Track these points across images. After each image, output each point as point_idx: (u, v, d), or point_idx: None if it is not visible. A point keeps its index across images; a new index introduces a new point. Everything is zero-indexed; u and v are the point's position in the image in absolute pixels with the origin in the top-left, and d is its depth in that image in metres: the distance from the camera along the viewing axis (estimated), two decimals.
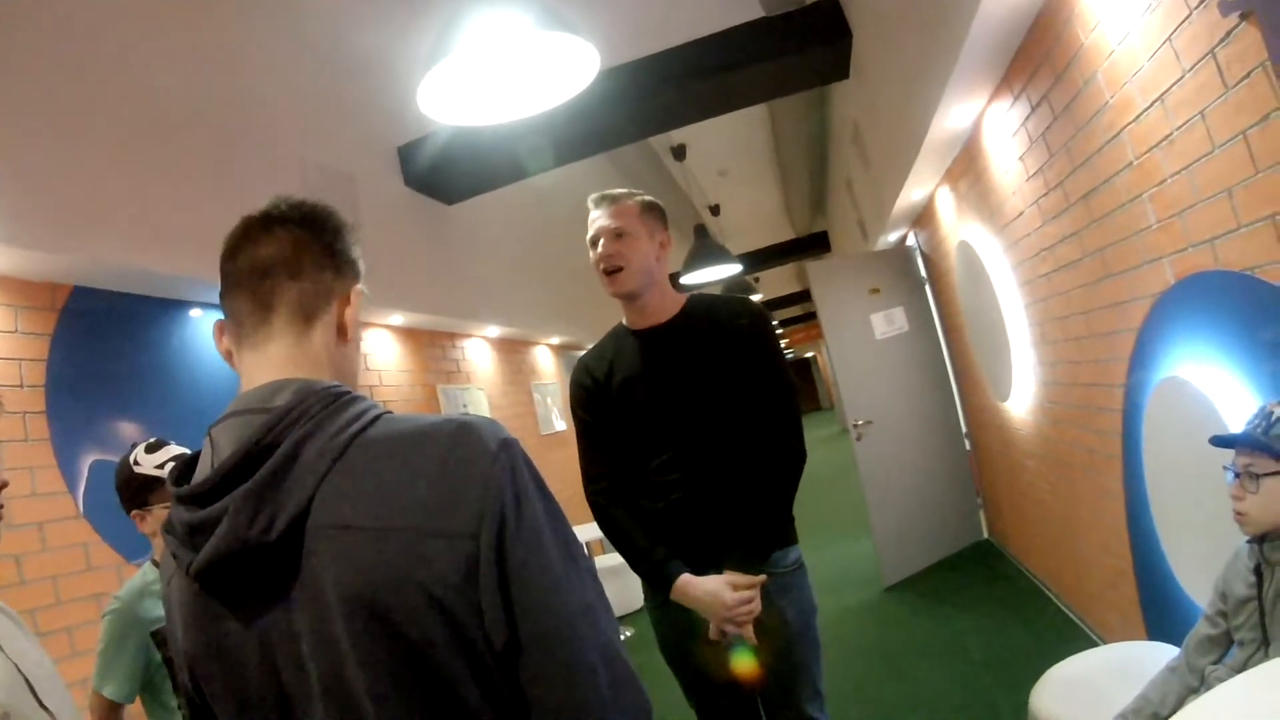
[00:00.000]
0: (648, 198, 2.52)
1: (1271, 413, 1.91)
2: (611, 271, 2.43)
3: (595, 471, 2.53)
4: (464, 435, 1.05)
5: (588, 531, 6.28)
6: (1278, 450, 1.86)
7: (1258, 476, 1.89)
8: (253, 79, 4.48)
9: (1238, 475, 1.95)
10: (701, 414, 2.40)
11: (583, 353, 2.64)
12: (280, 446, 1.01)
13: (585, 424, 2.55)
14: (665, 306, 2.50)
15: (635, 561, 2.44)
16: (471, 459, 1.03)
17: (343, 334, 1.19)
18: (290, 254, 1.14)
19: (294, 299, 1.14)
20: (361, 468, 1.02)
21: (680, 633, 2.44)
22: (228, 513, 0.99)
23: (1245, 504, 1.93)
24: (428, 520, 0.99)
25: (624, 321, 2.57)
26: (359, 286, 1.23)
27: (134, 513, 2.44)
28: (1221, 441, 1.99)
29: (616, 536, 2.46)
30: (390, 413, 1.11)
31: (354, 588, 0.97)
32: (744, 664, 2.39)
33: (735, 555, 2.32)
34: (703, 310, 2.49)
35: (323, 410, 1.04)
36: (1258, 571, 1.97)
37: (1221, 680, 1.95)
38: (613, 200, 2.46)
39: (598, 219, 2.46)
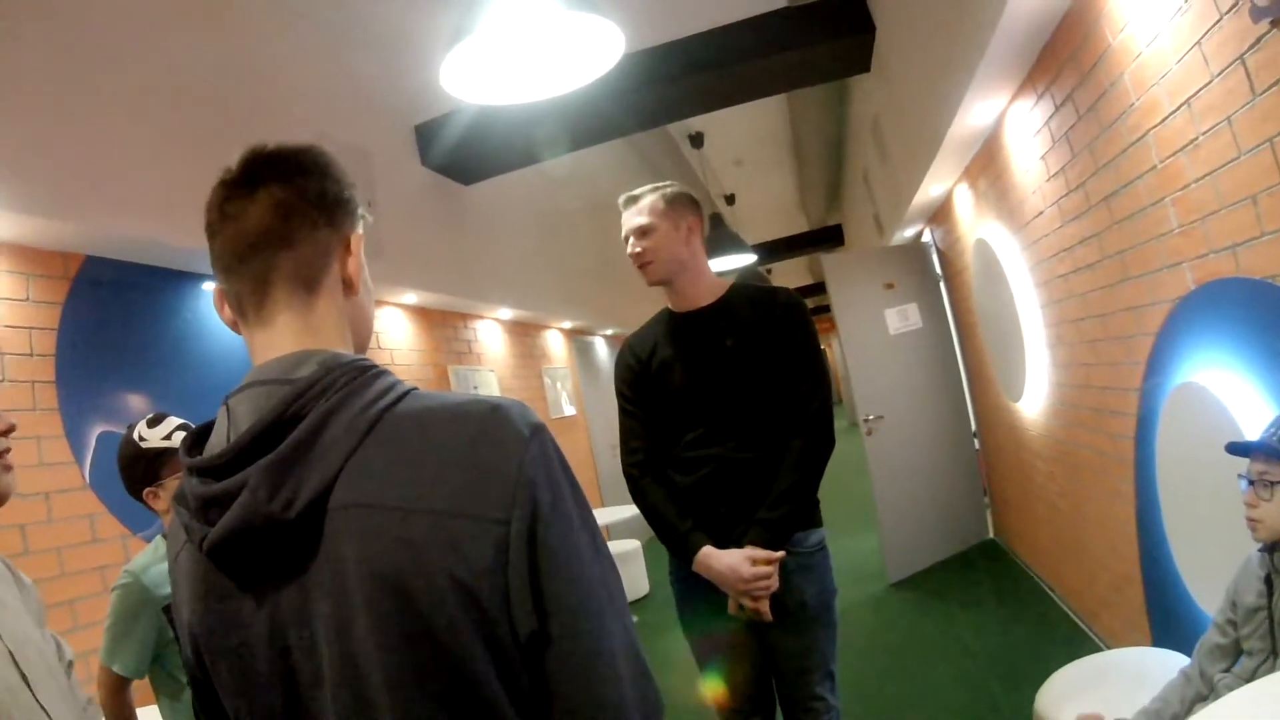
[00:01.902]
0: (670, 190, 2.61)
1: None
2: (641, 265, 2.57)
3: (634, 445, 2.63)
4: (496, 418, 1.01)
5: (599, 517, 6.29)
6: None
7: (1272, 484, 1.89)
8: (270, 52, 4.48)
9: (1252, 483, 1.95)
10: (734, 393, 2.50)
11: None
12: (305, 419, 0.96)
13: (627, 400, 2.67)
14: (706, 290, 2.62)
15: (661, 531, 2.54)
16: (504, 442, 0.99)
17: (350, 288, 1.13)
18: (278, 221, 1.06)
19: (291, 270, 1.07)
20: (389, 444, 0.98)
21: (700, 605, 2.54)
22: (246, 486, 0.94)
23: (1259, 511, 1.93)
24: (457, 502, 0.95)
25: (668, 305, 2.69)
26: (359, 232, 1.16)
27: (147, 491, 2.41)
28: (1237, 448, 1.99)
29: (646, 507, 2.58)
30: (417, 389, 1.06)
31: (377, 568, 0.94)
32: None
33: (757, 531, 2.40)
34: (744, 297, 2.60)
35: (350, 384, 1.00)
36: (1268, 581, 1.96)
37: (1230, 689, 1.94)
38: (635, 200, 2.60)
39: (626, 220, 2.60)
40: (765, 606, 2.36)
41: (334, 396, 0.98)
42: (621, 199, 2.62)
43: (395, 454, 0.97)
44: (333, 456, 0.96)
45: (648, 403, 2.62)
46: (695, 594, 2.53)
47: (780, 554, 2.37)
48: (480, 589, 0.94)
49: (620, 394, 2.69)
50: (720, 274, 2.73)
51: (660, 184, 2.63)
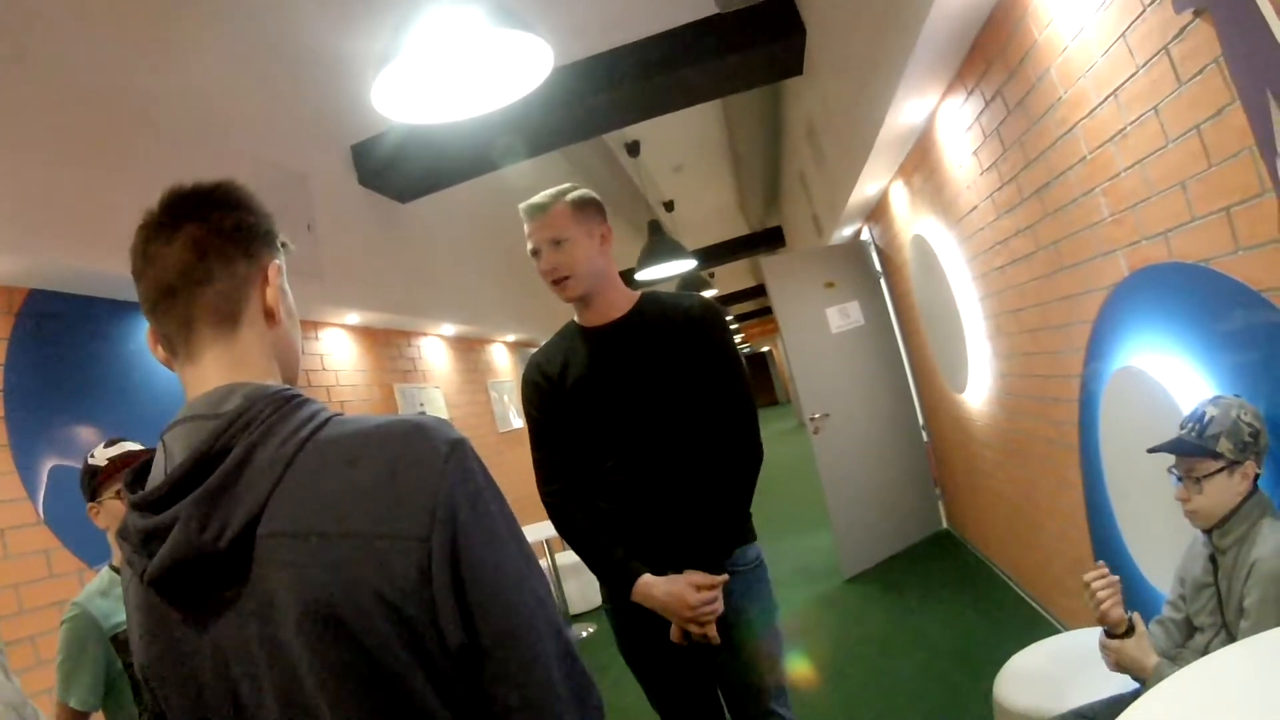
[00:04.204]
0: (577, 194, 2.44)
1: (1204, 414, 1.97)
2: (559, 281, 2.40)
3: (550, 472, 2.49)
4: (414, 436, 1.04)
5: (544, 530, 6.28)
6: (1215, 451, 1.93)
7: (1199, 479, 1.96)
8: (205, 78, 4.42)
9: (1181, 479, 2.01)
10: (657, 412, 2.38)
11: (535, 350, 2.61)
12: (231, 452, 1.00)
13: (538, 423, 2.50)
14: (616, 303, 2.48)
15: (594, 563, 2.42)
16: (422, 460, 1.02)
17: (271, 318, 1.16)
18: (193, 260, 1.09)
19: (210, 306, 1.10)
20: (313, 472, 1.01)
21: (642, 633, 2.43)
22: (179, 520, 0.98)
23: (1193, 504, 2.00)
24: (379, 524, 0.99)
25: (575, 319, 2.54)
26: (276, 261, 1.18)
27: (89, 506, 2.46)
28: (1159, 450, 2.04)
29: (574, 537, 2.43)
30: (341, 414, 1.10)
31: (308, 593, 0.97)
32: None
33: (697, 555, 2.32)
34: (656, 307, 2.47)
35: (273, 414, 1.03)
36: (1212, 559, 2.01)
37: (1187, 663, 1.98)
38: (542, 209, 2.40)
39: (533, 231, 2.41)
40: (713, 631, 2.28)
41: (258, 428, 1.02)
42: (523, 208, 2.42)
43: (319, 480, 1.01)
44: (259, 487, 0.99)
45: (563, 424, 2.46)
46: (634, 622, 2.42)
47: (724, 577, 2.30)
48: (407, 607, 0.98)
49: (530, 417, 2.52)
50: (661, 280, 2.65)
51: (563, 187, 2.45)
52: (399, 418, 1.07)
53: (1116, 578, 2.14)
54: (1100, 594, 2.12)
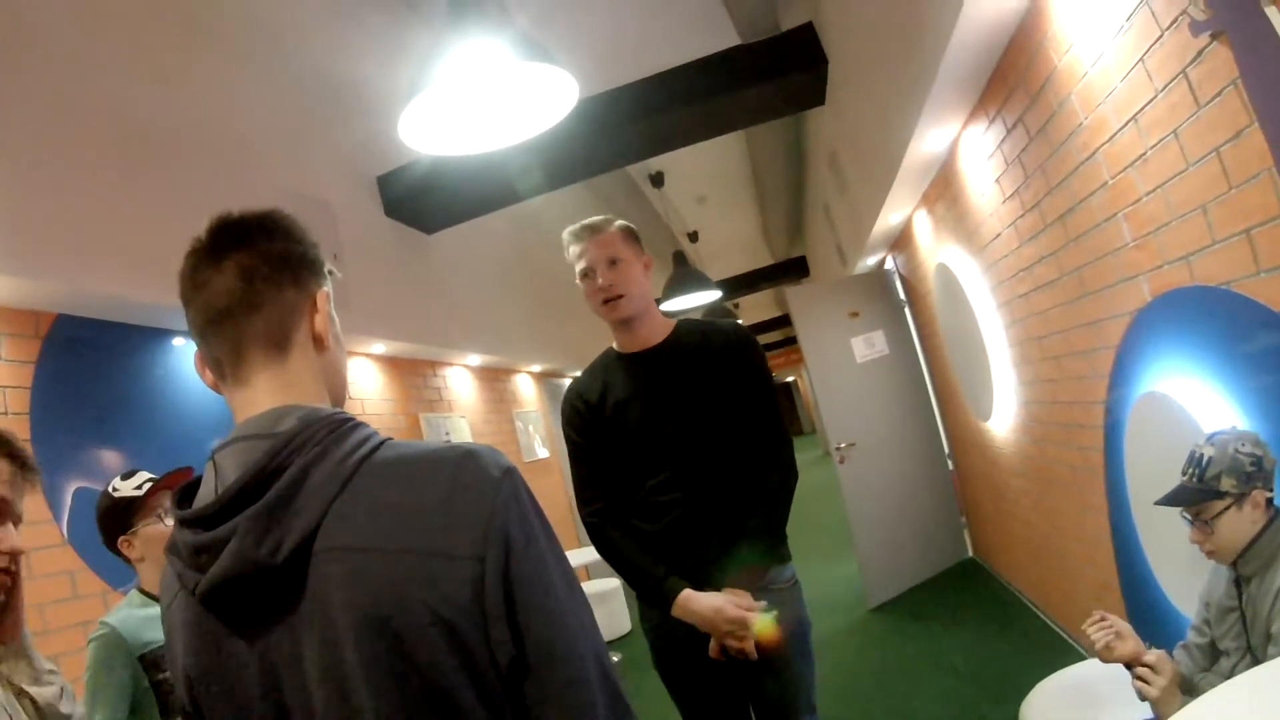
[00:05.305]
0: (623, 222, 2.54)
1: (1201, 456, 1.97)
2: (611, 300, 2.44)
3: (590, 494, 2.54)
4: (469, 461, 1.06)
5: (576, 557, 6.28)
6: (1219, 489, 1.92)
7: (1209, 520, 1.95)
8: (234, 109, 4.50)
9: (1192, 523, 2.01)
10: (695, 435, 2.43)
11: (566, 379, 2.65)
12: (288, 470, 1.01)
13: (579, 447, 2.56)
14: (655, 329, 2.54)
15: (634, 580, 2.45)
16: (476, 484, 1.04)
17: (319, 344, 1.18)
18: (243, 287, 1.11)
19: (262, 332, 1.12)
20: (369, 491, 1.03)
21: (679, 650, 2.46)
22: (236, 534, 0.99)
23: (1209, 544, 1.99)
24: (435, 542, 1.00)
25: (614, 346, 2.59)
26: (324, 289, 1.20)
27: (121, 539, 2.44)
28: (1165, 504, 2.04)
29: (614, 557, 2.48)
30: (392, 439, 1.12)
31: (362, 608, 0.98)
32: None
33: (734, 573, 2.34)
34: (693, 334, 2.53)
35: (329, 436, 1.05)
36: (1236, 584, 2.00)
37: (1212, 685, 1.97)
38: (595, 230, 2.47)
39: (586, 251, 2.46)
40: (750, 646, 2.28)
41: (314, 448, 1.03)
42: (574, 229, 2.49)
43: (375, 500, 1.02)
44: (315, 504, 1.01)
45: (603, 448, 2.52)
46: (673, 639, 2.45)
47: (762, 604, 2.32)
48: (460, 623, 0.99)
49: (571, 440, 2.58)
50: (685, 311, 2.68)
51: (610, 217, 2.54)
52: (451, 444, 1.10)
53: (1112, 620, 2.12)
54: (1093, 635, 2.10)
